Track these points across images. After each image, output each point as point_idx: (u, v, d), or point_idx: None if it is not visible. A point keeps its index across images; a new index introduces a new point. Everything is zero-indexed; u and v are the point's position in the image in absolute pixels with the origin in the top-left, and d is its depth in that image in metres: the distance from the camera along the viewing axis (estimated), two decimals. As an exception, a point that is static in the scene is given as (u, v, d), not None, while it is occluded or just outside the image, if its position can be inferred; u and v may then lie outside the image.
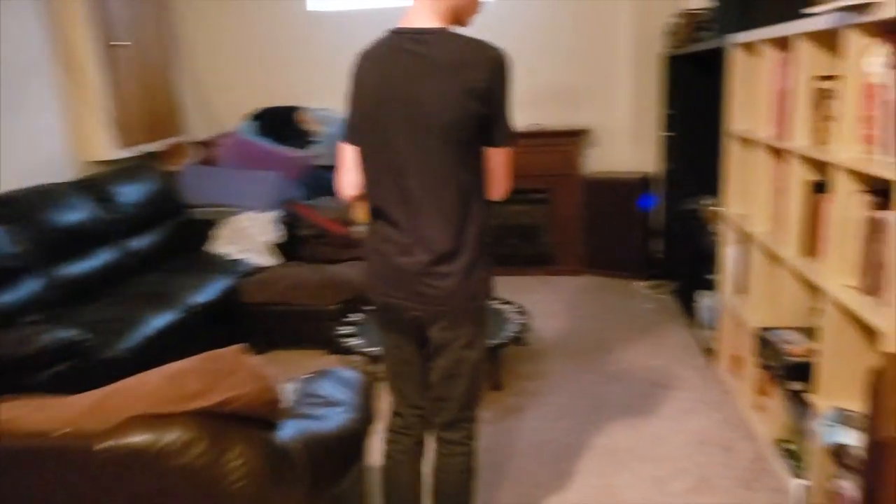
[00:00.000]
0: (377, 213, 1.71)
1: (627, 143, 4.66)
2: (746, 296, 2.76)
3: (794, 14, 2.21)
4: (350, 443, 1.99)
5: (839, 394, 1.98)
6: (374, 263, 1.74)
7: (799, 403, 2.17)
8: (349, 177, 1.75)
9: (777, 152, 2.47)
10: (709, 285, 3.26)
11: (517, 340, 3.20)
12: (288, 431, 1.75)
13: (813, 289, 2.27)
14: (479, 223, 1.66)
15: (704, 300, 3.34)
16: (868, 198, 1.83)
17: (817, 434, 1.99)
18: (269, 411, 1.68)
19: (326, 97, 4.80)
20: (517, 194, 4.39)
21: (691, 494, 2.29)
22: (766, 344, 2.34)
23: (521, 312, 3.43)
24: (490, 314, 1.86)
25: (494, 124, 1.60)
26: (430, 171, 1.59)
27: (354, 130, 1.70)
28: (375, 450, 2.57)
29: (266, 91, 4.86)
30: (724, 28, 2.95)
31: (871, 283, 1.80)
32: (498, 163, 1.67)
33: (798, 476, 2.20)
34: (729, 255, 2.98)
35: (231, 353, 1.63)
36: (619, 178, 4.52)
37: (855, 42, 1.80)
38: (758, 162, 2.60)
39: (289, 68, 4.90)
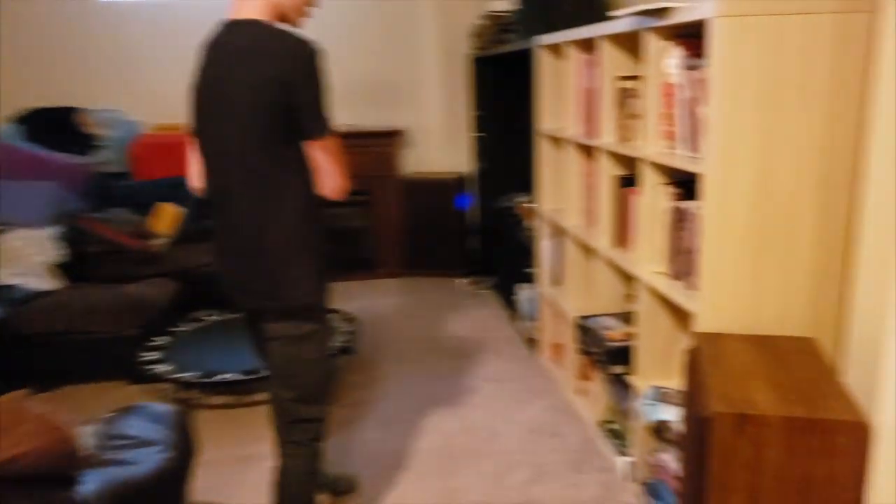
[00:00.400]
0: (212, 206, 1.72)
1: (441, 144, 4.72)
2: (564, 287, 2.89)
3: (596, 17, 2.34)
4: (168, 485, 1.75)
5: (656, 373, 2.12)
6: (215, 256, 1.77)
7: (620, 385, 2.30)
8: (194, 168, 1.79)
9: (586, 149, 2.62)
10: (527, 278, 3.39)
11: (347, 350, 3.09)
12: (90, 485, 1.49)
13: (626, 277, 2.43)
14: (298, 219, 1.63)
15: (524, 293, 3.46)
16: (671, 189, 1.98)
17: (639, 413, 2.12)
18: (67, 464, 1.41)
19: (111, 97, 4.30)
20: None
21: (530, 485, 2.33)
22: (585, 331, 2.46)
23: (349, 320, 3.31)
24: (325, 317, 1.78)
25: (303, 116, 1.56)
26: (243, 164, 1.60)
27: (192, 121, 1.70)
28: (199, 486, 2.33)
29: (34, 90, 4.24)
30: (529, 30, 3.07)
31: (679, 269, 1.94)
32: (319, 157, 1.62)
33: (623, 454, 2.33)
34: (545, 248, 3.11)
35: (10, 402, 1.34)
36: (435, 178, 4.57)
37: (653, 44, 1.94)
38: (568, 159, 2.73)
39: (64, 64, 4.31)
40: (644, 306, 2.10)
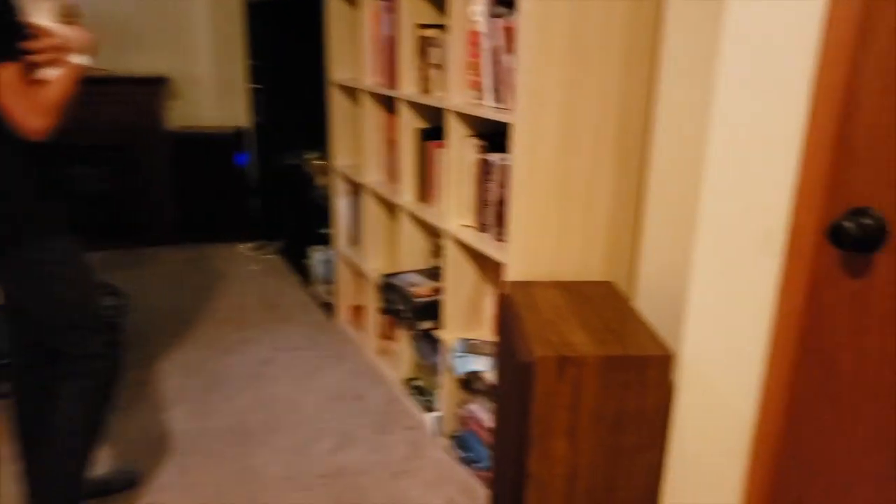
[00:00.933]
0: None
1: (214, 96, 4.30)
2: (363, 246, 2.79)
3: (394, -40, 2.22)
4: None
5: (464, 326, 2.13)
6: None
7: (428, 341, 2.28)
8: None
9: (385, 101, 2.51)
10: (320, 240, 3.23)
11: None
12: None
13: (431, 232, 2.40)
14: None
15: (317, 255, 3.30)
16: (477, 142, 1.96)
17: (448, 366, 2.11)
18: None
19: None
20: (87, 153, 3.74)
21: (335, 453, 2.23)
22: (390, 289, 2.39)
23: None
24: (58, 258, 1.63)
25: None
26: None
27: None
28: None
29: None
30: (316, -26, 2.86)
31: (486, 221, 1.94)
32: None
33: (430, 409, 2.32)
34: (341, 207, 2.98)
35: None
36: (209, 133, 4.15)
37: (457, -9, 1.88)
38: (365, 111, 2.60)
39: None
40: (451, 260, 2.08)
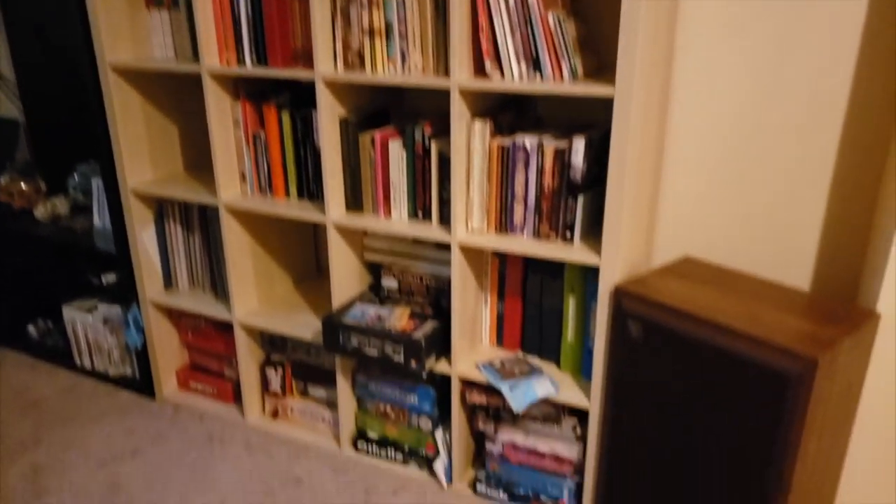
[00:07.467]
0: None
1: None
2: (228, 286, 2.04)
3: None
4: None
5: (469, 349, 1.76)
6: None
7: (371, 378, 1.82)
8: None
9: (233, 85, 1.82)
10: (76, 294, 2.25)
11: None
12: None
13: (358, 246, 1.87)
14: None
15: (79, 317, 2.29)
16: (489, 125, 1.59)
17: (480, 399, 1.73)
18: None
19: None
20: None
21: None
22: (347, 332, 1.82)
23: None
24: None
25: None
26: None
27: None
28: None
29: None
30: None
31: (517, 220, 1.61)
32: None
33: (408, 461, 1.89)
34: (145, 241, 2.10)
35: None
36: None
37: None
38: (209, 103, 1.84)
39: None
40: (459, 275, 1.65)
